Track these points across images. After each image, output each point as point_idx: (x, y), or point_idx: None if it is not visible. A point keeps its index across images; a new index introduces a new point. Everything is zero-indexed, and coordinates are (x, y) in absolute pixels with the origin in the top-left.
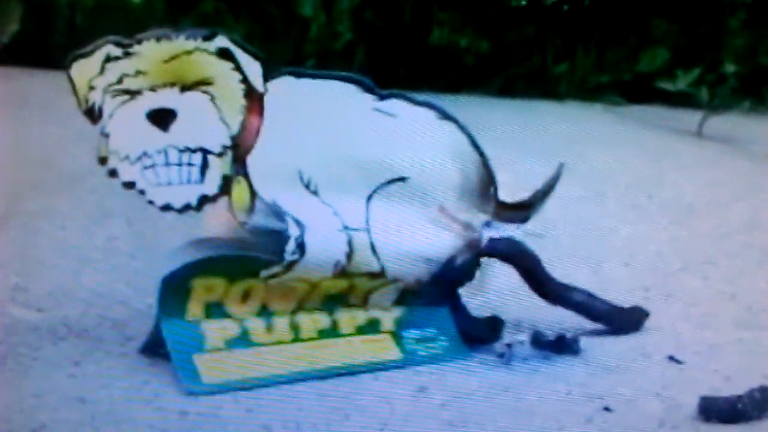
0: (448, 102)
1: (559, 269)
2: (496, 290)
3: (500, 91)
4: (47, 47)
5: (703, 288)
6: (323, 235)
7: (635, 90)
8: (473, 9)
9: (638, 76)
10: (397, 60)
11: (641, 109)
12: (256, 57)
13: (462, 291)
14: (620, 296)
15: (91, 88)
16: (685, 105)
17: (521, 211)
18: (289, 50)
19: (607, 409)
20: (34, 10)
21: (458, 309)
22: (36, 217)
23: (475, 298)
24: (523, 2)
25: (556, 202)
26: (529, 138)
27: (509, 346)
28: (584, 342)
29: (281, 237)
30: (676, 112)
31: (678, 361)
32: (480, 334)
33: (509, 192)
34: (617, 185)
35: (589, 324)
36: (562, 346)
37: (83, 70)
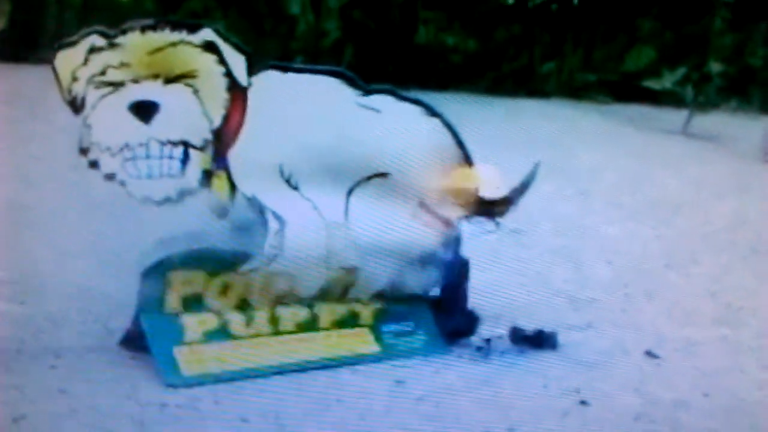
0: (435, 100)
1: (540, 266)
2: (475, 285)
3: (487, 90)
4: (35, 43)
5: (684, 285)
6: (303, 229)
7: (621, 89)
8: (460, 8)
9: (625, 75)
10: (384, 58)
11: (627, 108)
12: (240, 50)
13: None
14: (601, 293)
15: (75, 78)
16: (671, 104)
17: (500, 206)
18: (276, 47)
19: (583, 402)
20: (22, 7)
21: (433, 303)
22: (20, 211)
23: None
24: (510, 1)
25: (541, 200)
26: (515, 136)
27: (488, 340)
28: (563, 337)
29: (261, 231)
30: (661, 111)
31: (655, 356)
32: (456, 329)
33: (494, 188)
34: (602, 183)
35: (568, 320)
36: (540, 341)
37: (67, 60)
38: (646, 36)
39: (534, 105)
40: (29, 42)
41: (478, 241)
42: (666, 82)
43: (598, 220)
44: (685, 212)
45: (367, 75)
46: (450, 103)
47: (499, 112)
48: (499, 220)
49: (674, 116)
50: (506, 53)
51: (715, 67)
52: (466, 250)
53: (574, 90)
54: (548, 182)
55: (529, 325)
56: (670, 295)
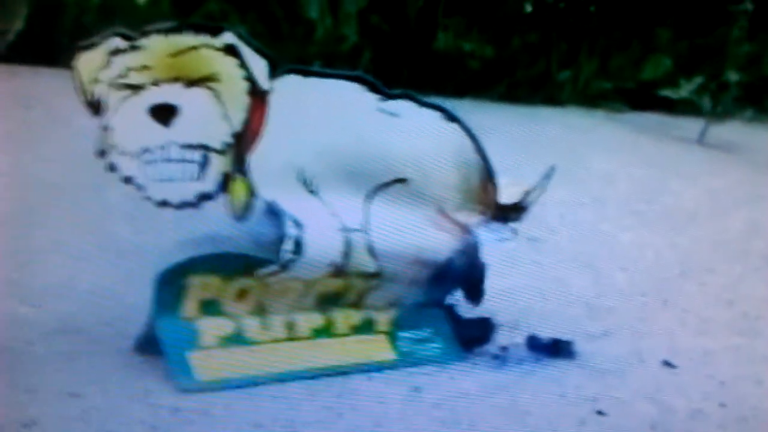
0: (451, 106)
1: (558, 273)
2: (492, 292)
3: (503, 96)
4: (52, 46)
5: (700, 294)
6: (321, 234)
7: (638, 97)
8: (478, 14)
9: (641, 83)
10: (402, 63)
11: (643, 117)
12: (262, 54)
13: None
14: (617, 301)
15: (96, 80)
16: (687, 113)
17: (516, 211)
18: (294, 51)
19: (600, 412)
20: (41, 9)
21: (452, 311)
22: (36, 215)
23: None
24: (529, 9)
25: (557, 207)
26: (531, 143)
27: (504, 348)
28: (579, 345)
29: (279, 236)
30: (678, 119)
31: (672, 366)
32: (472, 336)
33: (511, 194)
34: (618, 192)
35: (585, 327)
36: (557, 349)
37: (89, 62)
38: (662, 45)
39: (550, 112)
40: (47, 45)
41: (496, 248)
42: (683, 91)
43: (614, 227)
44: (700, 221)
45: (385, 80)
46: (467, 109)
47: (514, 119)
48: (515, 226)
49: (691, 125)
50: (523, 60)
51: (732, 76)
52: (484, 257)
53: (590, 98)
54: (564, 190)
55: (546, 333)
56: (686, 304)
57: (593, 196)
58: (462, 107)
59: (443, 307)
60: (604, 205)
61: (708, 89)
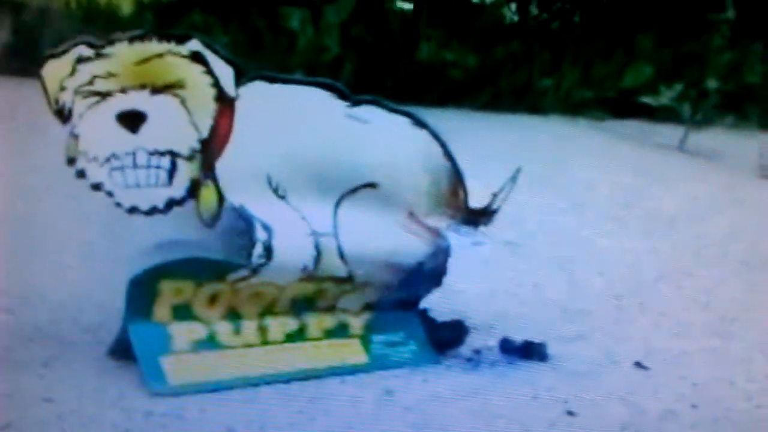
0: (434, 115)
1: (534, 278)
2: (467, 296)
3: (486, 105)
4: (36, 57)
5: (677, 297)
6: (291, 239)
7: (619, 105)
8: (461, 25)
9: (622, 91)
10: (384, 74)
11: (624, 124)
12: (228, 61)
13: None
14: (593, 305)
15: (62, 88)
16: (668, 120)
17: (485, 215)
18: (276, 62)
19: (570, 413)
20: (24, 21)
21: (425, 314)
22: (14, 223)
23: (443, 303)
24: (516, 18)
25: (536, 213)
26: (512, 150)
27: (478, 351)
28: (553, 348)
29: (248, 241)
30: (659, 127)
31: (645, 368)
32: (445, 339)
33: (480, 198)
34: (598, 198)
35: (560, 331)
36: (530, 351)
37: (55, 70)
38: (644, 53)
39: (532, 121)
40: (30, 56)
41: (471, 252)
42: (663, 98)
43: (594, 233)
44: (679, 226)
45: (367, 91)
46: (449, 118)
47: (496, 128)
48: (486, 230)
49: (671, 132)
50: (505, 69)
51: (712, 83)
52: (458, 262)
53: (572, 106)
54: (544, 196)
55: (520, 336)
56: (662, 307)
57: (573, 202)
58: (445, 116)
59: (416, 311)
60: (583, 210)
61: (688, 96)
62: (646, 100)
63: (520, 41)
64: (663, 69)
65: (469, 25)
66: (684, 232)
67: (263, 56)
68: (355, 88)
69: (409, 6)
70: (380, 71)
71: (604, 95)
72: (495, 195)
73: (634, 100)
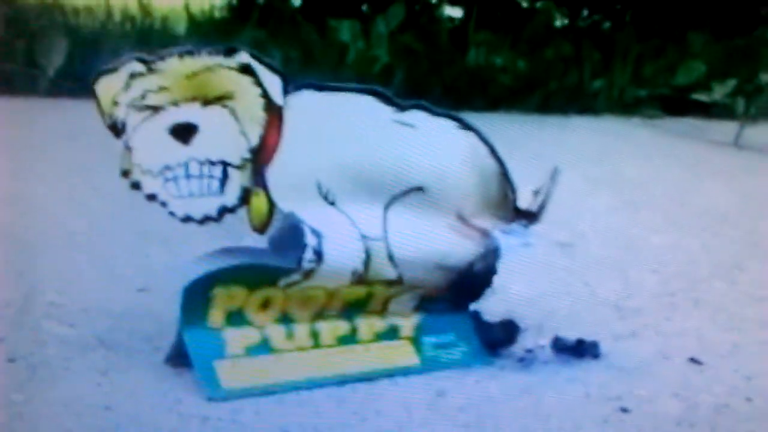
0: (485, 120)
1: (586, 277)
2: (518, 297)
3: (537, 109)
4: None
5: (730, 292)
6: (341, 243)
7: (672, 103)
8: (510, 29)
9: (675, 89)
10: (434, 81)
11: (678, 122)
12: (275, 71)
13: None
14: (646, 302)
15: (115, 103)
16: (722, 116)
17: (534, 215)
18: (327, 75)
19: (624, 409)
20: (80, 43)
21: (476, 314)
22: (74, 238)
23: (495, 304)
24: (566, 21)
25: (590, 214)
26: (565, 153)
27: (529, 351)
28: (607, 346)
29: (300, 246)
30: (713, 123)
31: (698, 363)
32: (496, 339)
33: (528, 198)
34: (651, 195)
35: (613, 329)
36: (582, 350)
37: (108, 86)
38: (696, 50)
39: (584, 122)
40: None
41: (520, 253)
42: (716, 94)
43: (646, 231)
44: (732, 222)
45: (417, 98)
46: (499, 122)
47: (548, 130)
48: (538, 230)
49: (726, 128)
50: (555, 72)
51: (766, 78)
52: (509, 262)
53: (624, 105)
54: (597, 196)
55: (573, 335)
56: (716, 302)
57: (626, 200)
58: (495, 121)
59: (467, 312)
60: (637, 209)
61: (742, 92)
62: (700, 97)
63: (570, 43)
64: (715, 65)
65: (519, 29)
66: (738, 228)
67: (314, 70)
68: (405, 96)
69: (457, 13)
70: (430, 78)
71: (657, 92)
72: (536, 192)
73: (687, 97)
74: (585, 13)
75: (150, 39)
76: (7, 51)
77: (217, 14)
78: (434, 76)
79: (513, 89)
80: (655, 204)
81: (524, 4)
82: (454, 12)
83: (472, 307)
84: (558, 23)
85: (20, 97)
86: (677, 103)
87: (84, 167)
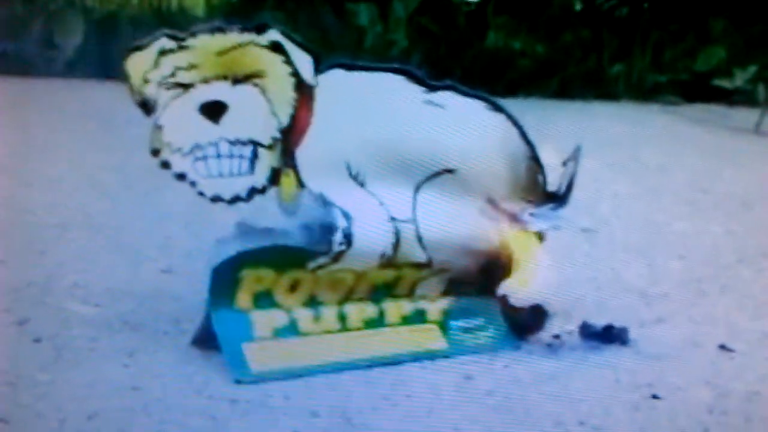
0: (504, 104)
1: (611, 263)
2: (545, 283)
3: (556, 93)
4: (109, 59)
5: (757, 279)
6: (370, 225)
7: (692, 89)
8: (528, 13)
9: (695, 75)
10: (452, 64)
11: (698, 108)
12: (306, 50)
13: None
14: (672, 288)
15: (146, 81)
16: (743, 103)
17: (563, 198)
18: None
19: (655, 396)
20: (96, 24)
21: (504, 299)
22: (96, 219)
23: (524, 288)
24: (578, 7)
25: (611, 200)
26: (585, 138)
27: (557, 336)
28: (634, 332)
29: (328, 228)
30: (733, 109)
31: (729, 350)
32: (525, 324)
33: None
34: (672, 182)
35: (640, 315)
36: (611, 336)
37: (138, 63)
38: (716, 35)
39: (603, 107)
40: (104, 58)
41: (549, 237)
42: (737, 80)
43: (669, 217)
44: (756, 208)
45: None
46: (518, 106)
47: (567, 115)
48: (563, 215)
49: (746, 115)
50: (574, 56)
51: None
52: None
53: (644, 91)
54: (618, 182)
55: (600, 321)
56: (743, 289)
57: (648, 187)
58: (514, 105)
59: (495, 296)
60: (659, 195)
61: (763, 78)
62: (720, 83)
63: (589, 28)
64: (736, 51)
65: (538, 13)
66: (761, 214)
67: (332, 53)
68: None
69: None
70: (448, 63)
71: (677, 78)
72: (568, 178)
73: (707, 83)
74: None
75: (167, 22)
76: (25, 32)
77: None
78: (452, 60)
79: (532, 73)
80: (676, 190)
81: None
82: None
83: (500, 290)
84: (577, 7)
85: (39, 78)
86: (697, 89)
87: (105, 147)
